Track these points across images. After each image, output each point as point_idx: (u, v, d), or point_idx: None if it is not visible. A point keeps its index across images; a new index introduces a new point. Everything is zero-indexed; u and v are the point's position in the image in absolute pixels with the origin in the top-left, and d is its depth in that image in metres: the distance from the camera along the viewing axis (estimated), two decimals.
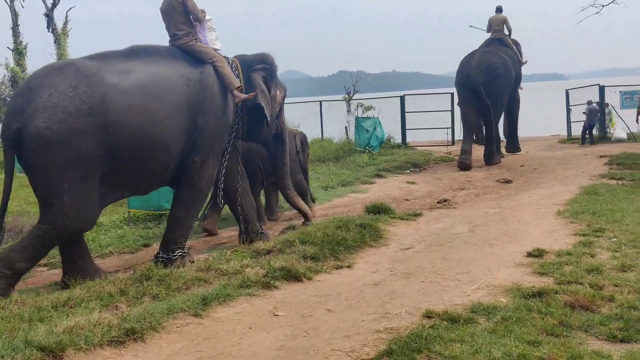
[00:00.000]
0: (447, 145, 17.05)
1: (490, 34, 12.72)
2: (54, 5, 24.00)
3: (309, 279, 4.82)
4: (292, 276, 4.77)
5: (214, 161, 5.91)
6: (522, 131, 23.24)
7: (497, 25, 12.49)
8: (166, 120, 5.29)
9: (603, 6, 21.83)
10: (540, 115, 25.55)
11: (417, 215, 7.26)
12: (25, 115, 4.70)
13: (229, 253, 5.85)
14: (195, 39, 5.90)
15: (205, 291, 4.32)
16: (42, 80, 4.88)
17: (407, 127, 17.40)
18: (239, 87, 5.95)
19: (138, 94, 5.13)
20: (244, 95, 6.01)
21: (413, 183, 9.99)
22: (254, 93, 6.16)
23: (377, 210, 7.22)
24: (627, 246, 5.12)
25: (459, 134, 20.73)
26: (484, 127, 12.50)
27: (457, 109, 19.97)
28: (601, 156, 11.46)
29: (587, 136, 15.31)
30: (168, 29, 5.94)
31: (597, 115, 15.80)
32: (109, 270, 5.58)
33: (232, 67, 6.15)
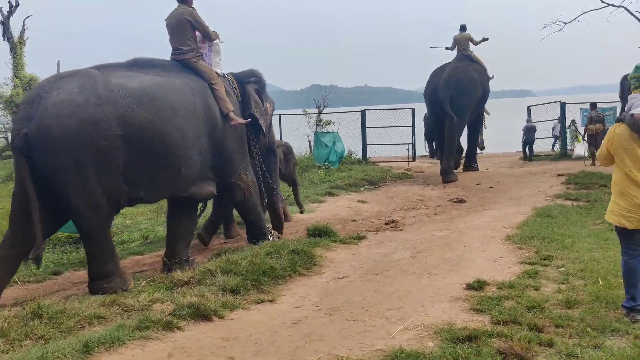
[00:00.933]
0: (408, 161, 16.72)
1: (455, 51, 12.80)
2: (10, 13, 23.07)
3: (221, 317, 4.27)
4: (201, 314, 4.21)
5: (247, 169, 6.34)
6: (488, 147, 23.19)
7: (463, 44, 12.60)
8: (180, 119, 5.41)
9: (565, 23, 22.18)
10: (507, 131, 25.49)
11: (360, 238, 6.78)
12: (33, 118, 4.73)
13: (143, 284, 5.25)
14: (199, 56, 5.99)
15: (91, 335, 3.73)
16: (52, 85, 4.94)
17: (367, 143, 17.08)
18: (232, 110, 6.01)
19: (148, 92, 5.23)
20: (240, 120, 6.11)
21: (364, 202, 9.51)
22: (249, 120, 6.31)
23: (319, 233, 6.76)
24: (574, 277, 4.71)
25: (421, 150, 20.59)
26: (445, 143, 12.24)
27: (419, 125, 19.81)
28: (559, 174, 11.19)
29: (526, 152, 16.14)
30: (172, 42, 5.98)
31: (534, 133, 16.28)
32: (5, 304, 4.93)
33: (229, 83, 6.33)
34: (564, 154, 16.21)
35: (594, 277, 4.60)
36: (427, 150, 21.33)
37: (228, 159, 6.08)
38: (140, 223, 8.81)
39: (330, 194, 10.16)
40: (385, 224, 7.72)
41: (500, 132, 27.65)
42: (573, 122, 16.45)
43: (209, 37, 6.08)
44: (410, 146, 17.50)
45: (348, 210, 8.84)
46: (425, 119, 15.82)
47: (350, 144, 16.62)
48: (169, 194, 5.73)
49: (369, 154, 17.16)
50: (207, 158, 5.76)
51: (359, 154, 16.54)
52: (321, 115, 18.13)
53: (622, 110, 11.47)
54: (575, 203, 8.20)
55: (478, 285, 4.59)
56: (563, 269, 4.99)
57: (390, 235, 7.05)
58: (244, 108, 6.38)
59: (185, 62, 5.88)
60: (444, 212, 8.52)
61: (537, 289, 4.46)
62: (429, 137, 16.21)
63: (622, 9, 20.70)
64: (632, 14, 20.38)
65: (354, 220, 8.08)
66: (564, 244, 5.79)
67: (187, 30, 5.92)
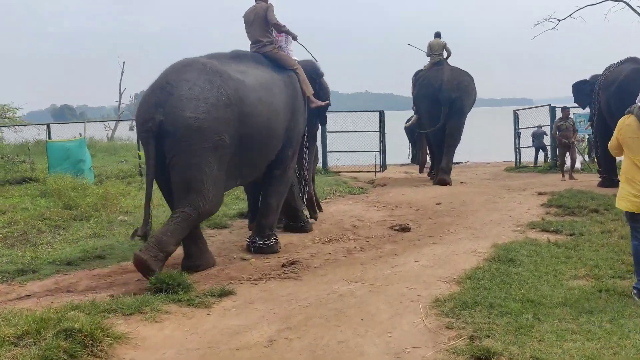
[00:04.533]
0: (375, 172, 14.47)
1: (430, 57, 12.30)
2: None
3: None
4: None
5: (297, 155, 6.71)
6: (476, 156, 21.12)
7: (438, 50, 12.16)
8: (280, 114, 5.94)
9: (559, 20, 20.03)
10: (499, 139, 23.37)
11: (223, 294, 4.52)
12: (167, 107, 4.99)
13: None
14: (278, 47, 6.45)
15: None
16: (178, 75, 5.18)
17: (328, 150, 14.91)
18: (313, 93, 6.69)
19: (261, 90, 5.69)
20: (319, 102, 6.85)
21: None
22: (328, 102, 7.25)
23: (164, 285, 4.49)
24: None
25: (394, 157, 18.38)
26: (446, 145, 11.69)
27: (390, 129, 17.55)
28: (540, 193, 8.91)
29: (537, 159, 15.12)
30: (251, 36, 6.41)
31: (544, 138, 15.02)
32: None
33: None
34: (554, 166, 13.97)
35: None
36: (410, 155, 19.40)
37: (293, 142, 6.43)
38: None
39: (242, 215, 7.88)
40: (282, 266, 5.44)
41: (492, 141, 25.68)
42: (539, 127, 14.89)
43: (279, 29, 6.46)
44: (378, 154, 15.27)
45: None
46: (413, 123, 14.02)
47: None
48: (253, 179, 6.20)
49: (330, 163, 14.99)
50: (290, 137, 6.29)
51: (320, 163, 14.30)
52: None
53: (593, 111, 9.66)
54: (552, 238, 5.92)
55: None
56: None
57: (273, 288, 4.76)
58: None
59: (268, 54, 6.29)
60: (373, 247, 6.23)
61: None
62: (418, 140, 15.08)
63: (622, 5, 18.59)
64: (633, 9, 18.20)
65: (244, 259, 5.78)
66: (520, 324, 3.52)
67: (265, 24, 6.31)
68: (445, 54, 12.27)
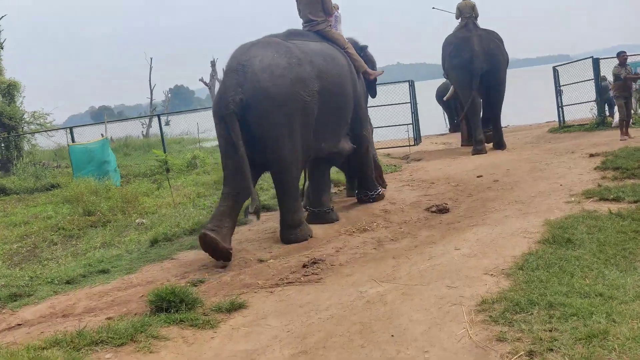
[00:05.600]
0: (409, 146, 13.67)
1: (460, 20, 11.69)
2: None
3: None
4: None
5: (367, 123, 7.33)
6: (517, 119, 20.01)
7: (467, 12, 11.56)
8: (346, 76, 6.34)
9: None
10: (539, 99, 22.07)
11: (233, 309, 3.92)
12: (246, 84, 5.23)
13: None
14: (330, 26, 6.65)
15: None
16: (247, 54, 5.42)
17: None
18: (366, 67, 7.00)
19: (325, 55, 6.07)
20: (376, 72, 7.31)
21: None
22: (382, 70, 7.65)
23: (166, 302, 3.93)
24: None
25: (428, 129, 17.55)
26: (491, 116, 11.50)
27: (423, 100, 16.69)
28: (592, 155, 7.98)
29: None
30: (303, 15, 6.61)
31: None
32: None
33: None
34: (602, 123, 12.86)
35: None
36: (449, 125, 18.54)
37: (361, 113, 6.83)
38: None
39: (265, 208, 7.26)
40: (303, 266, 4.79)
41: (533, 102, 24.39)
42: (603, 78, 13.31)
43: (329, 12, 6.67)
44: (410, 127, 14.43)
45: (268, 238, 5.92)
46: (451, 95, 13.29)
47: None
48: (335, 145, 6.33)
49: None
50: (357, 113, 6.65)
51: None
52: None
53: None
54: (614, 208, 5.09)
55: None
56: None
57: (290, 296, 4.12)
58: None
59: (320, 32, 6.53)
60: (407, 235, 5.51)
61: None
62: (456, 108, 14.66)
63: None
64: None
65: (261, 261, 5.16)
66: (591, 329, 2.78)
67: (318, 3, 6.53)
68: (473, 15, 11.58)
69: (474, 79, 10.83)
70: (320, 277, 4.49)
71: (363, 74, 6.97)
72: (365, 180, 7.10)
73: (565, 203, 5.56)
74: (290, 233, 5.60)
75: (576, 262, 3.77)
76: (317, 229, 6.01)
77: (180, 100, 76.96)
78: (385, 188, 7.76)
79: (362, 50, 7.37)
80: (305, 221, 5.81)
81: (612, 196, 5.49)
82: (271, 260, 5.12)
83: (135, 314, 4.02)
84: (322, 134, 5.89)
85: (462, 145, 12.69)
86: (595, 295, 3.19)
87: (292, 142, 5.40)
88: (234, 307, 3.94)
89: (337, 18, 7.00)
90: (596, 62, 13.30)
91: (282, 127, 5.31)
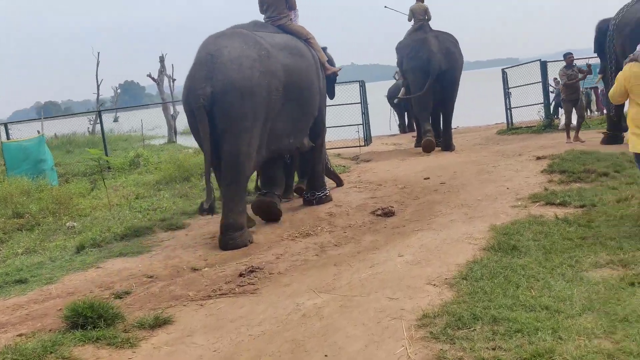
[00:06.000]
0: (360, 146, 13.50)
1: (412, 22, 11.72)
2: None
3: None
4: None
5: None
6: (466, 121, 20.22)
7: (420, 15, 11.55)
8: (311, 70, 6.39)
9: None
10: (488, 101, 22.35)
11: (156, 325, 3.58)
12: (215, 76, 5.20)
13: None
14: (291, 19, 6.81)
15: None
16: (215, 45, 5.42)
17: None
18: (327, 60, 7.07)
19: (291, 48, 6.13)
20: (334, 68, 7.27)
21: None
22: (340, 68, 7.55)
23: (83, 316, 3.55)
24: None
25: (378, 129, 17.53)
26: (442, 116, 11.58)
27: (376, 101, 16.62)
28: (539, 157, 7.96)
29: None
30: (265, 10, 6.71)
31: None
32: None
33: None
34: (549, 125, 13.04)
35: None
36: (399, 125, 18.56)
37: (323, 106, 6.91)
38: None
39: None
40: (240, 275, 4.49)
41: (482, 104, 24.76)
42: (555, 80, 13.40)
43: (292, 7, 6.80)
44: (361, 127, 14.29)
45: (205, 244, 5.58)
46: (403, 97, 13.20)
47: None
48: (301, 141, 6.38)
49: None
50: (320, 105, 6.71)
51: None
52: None
53: (606, 61, 8.19)
54: (560, 213, 4.99)
55: None
56: None
57: (222, 310, 3.81)
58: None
59: (282, 26, 6.55)
60: (351, 240, 5.28)
61: None
62: (409, 111, 14.48)
63: None
64: None
65: (195, 270, 4.82)
66: (536, 348, 2.59)
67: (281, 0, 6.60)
68: (426, 18, 11.59)
69: (431, 79, 10.76)
70: (256, 287, 4.20)
71: (323, 66, 6.97)
72: (316, 179, 6.97)
73: (512, 207, 5.45)
74: (230, 237, 5.29)
75: (522, 272, 3.60)
76: (258, 234, 5.72)
77: (130, 96, 75.12)
78: (342, 185, 7.89)
79: (322, 50, 7.38)
80: (246, 226, 5.52)
81: (558, 200, 5.40)
82: (206, 269, 4.79)
83: (50, 330, 3.64)
84: (290, 129, 5.93)
85: (415, 146, 12.52)
86: (541, 309, 3.02)
87: (253, 136, 5.36)
88: (159, 323, 3.60)
89: (296, 13, 7.07)
90: (544, 65, 13.48)
91: (246, 120, 5.27)
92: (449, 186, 7.11)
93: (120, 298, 4.24)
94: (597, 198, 5.28)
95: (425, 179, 7.79)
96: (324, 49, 7.48)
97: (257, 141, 5.43)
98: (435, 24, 11.87)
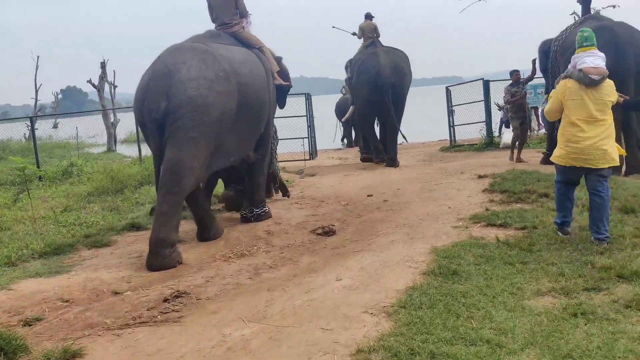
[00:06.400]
0: (305, 160, 13.28)
1: (362, 40, 11.81)
2: None
3: None
4: None
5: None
6: (412, 137, 20.37)
7: (370, 32, 11.67)
8: (263, 86, 6.38)
9: None
10: (432, 118, 22.66)
11: (64, 358, 3.19)
12: (171, 92, 5.16)
13: None
14: (243, 27, 6.79)
15: None
16: (173, 59, 5.37)
17: None
18: (278, 71, 7.00)
19: (247, 63, 6.13)
20: (283, 82, 7.14)
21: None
22: (288, 83, 7.47)
23: None
24: None
25: (324, 143, 17.46)
26: (389, 130, 11.41)
27: (324, 114, 16.52)
28: (480, 176, 7.94)
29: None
30: (216, 18, 6.70)
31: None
32: None
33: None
34: (490, 143, 13.22)
35: None
36: (345, 140, 18.54)
37: (271, 118, 6.94)
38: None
39: (135, 227, 6.49)
40: (164, 300, 4.14)
41: (427, 121, 25.10)
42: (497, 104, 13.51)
43: (244, 15, 6.80)
44: (306, 141, 14.09)
45: (131, 264, 5.18)
46: (351, 115, 13.12)
47: None
48: (246, 155, 6.46)
49: None
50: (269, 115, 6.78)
51: None
52: None
53: (549, 81, 8.26)
54: (501, 234, 4.89)
55: None
56: None
57: (140, 341, 3.45)
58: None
59: (235, 34, 6.59)
60: (288, 261, 5.01)
61: None
62: (356, 125, 14.23)
63: None
64: None
65: (116, 293, 4.43)
66: None
67: (232, 6, 6.67)
68: (375, 35, 11.72)
69: (382, 93, 10.75)
70: (181, 314, 3.86)
71: (273, 75, 6.93)
72: (255, 193, 6.72)
73: (453, 228, 5.32)
74: (159, 255, 4.95)
75: (462, 300, 3.43)
76: (189, 253, 5.37)
77: (72, 102, 72.61)
78: (288, 197, 7.94)
79: (277, 61, 7.38)
80: (177, 246, 5.18)
81: (499, 222, 5.31)
82: (128, 293, 4.41)
83: None
84: (236, 146, 5.96)
85: (362, 161, 12.31)
86: (482, 343, 2.84)
87: (197, 150, 5.23)
88: (67, 357, 3.22)
89: (247, 21, 7.10)
90: (486, 84, 13.67)
91: (193, 131, 5.18)
92: (391, 204, 6.96)
93: (30, 325, 3.83)
94: (538, 220, 5.21)
95: (368, 196, 7.62)
96: (280, 59, 7.48)
97: (203, 157, 5.29)
98: (383, 40, 11.91)
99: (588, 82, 4.43)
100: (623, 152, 4.87)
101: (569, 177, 4.63)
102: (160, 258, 4.95)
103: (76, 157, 15.00)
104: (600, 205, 4.42)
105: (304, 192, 8.55)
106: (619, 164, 4.66)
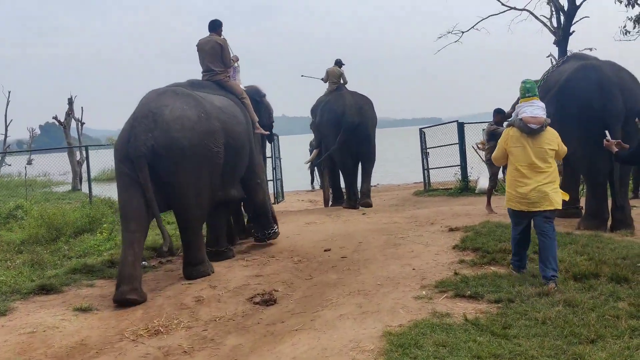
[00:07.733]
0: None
1: (328, 84, 11.92)
2: None
3: None
4: None
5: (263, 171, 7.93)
6: (388, 178, 19.83)
7: (335, 78, 11.82)
8: (244, 129, 6.65)
9: (462, 32, 19.18)
10: (410, 160, 22.12)
11: None
12: (156, 131, 5.40)
13: None
14: (228, 76, 7.05)
15: None
16: (157, 102, 5.62)
17: None
18: (257, 120, 7.25)
19: (227, 108, 6.41)
20: (263, 130, 7.47)
21: (87, 310, 4.89)
22: (268, 132, 7.99)
23: None
24: None
25: (292, 185, 16.78)
26: (362, 171, 11.38)
27: (299, 154, 15.83)
28: (452, 229, 7.10)
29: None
30: (204, 64, 6.96)
31: None
32: None
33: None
34: (465, 188, 12.52)
35: None
36: (321, 181, 17.82)
37: (254, 164, 7.09)
38: None
39: (44, 289, 5.49)
40: None
41: (403, 162, 24.67)
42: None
43: (228, 64, 7.04)
44: (272, 183, 13.26)
45: (21, 342, 4.19)
46: (314, 157, 12.96)
47: None
48: (227, 194, 6.52)
49: None
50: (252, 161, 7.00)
51: None
52: None
53: None
54: (470, 310, 4.01)
55: None
56: None
57: None
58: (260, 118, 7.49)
59: (219, 82, 6.86)
60: (209, 344, 4.05)
61: None
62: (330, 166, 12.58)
63: (525, 14, 17.87)
64: (537, 17, 17.45)
65: None
66: None
67: (218, 55, 6.90)
68: (341, 82, 11.89)
69: (345, 132, 10.76)
70: None
71: (254, 125, 7.16)
72: (261, 216, 7.35)
73: (414, 299, 4.43)
74: (193, 269, 5.80)
75: None
76: (95, 329, 4.40)
77: (51, 138, 71.29)
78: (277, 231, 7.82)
79: (260, 97, 7.83)
80: (207, 259, 5.98)
81: (469, 292, 4.43)
82: None
83: None
84: (223, 183, 6.22)
85: (344, 207, 11.34)
86: None
87: (199, 188, 5.66)
88: None
89: (235, 69, 7.45)
90: (461, 126, 13.06)
91: (190, 175, 5.54)
92: (349, 262, 6.07)
93: None
94: (515, 290, 4.36)
95: (325, 250, 6.73)
96: (263, 95, 7.92)
97: (206, 191, 5.77)
98: (360, 83, 11.84)
99: (527, 130, 4.65)
100: (566, 196, 4.84)
101: (520, 220, 4.80)
102: (195, 271, 5.83)
103: (24, 200, 13.81)
104: (548, 245, 4.54)
105: (256, 244, 7.62)
106: (561, 208, 4.73)
